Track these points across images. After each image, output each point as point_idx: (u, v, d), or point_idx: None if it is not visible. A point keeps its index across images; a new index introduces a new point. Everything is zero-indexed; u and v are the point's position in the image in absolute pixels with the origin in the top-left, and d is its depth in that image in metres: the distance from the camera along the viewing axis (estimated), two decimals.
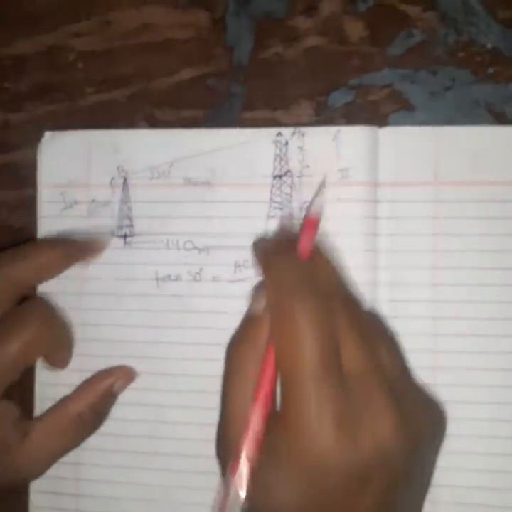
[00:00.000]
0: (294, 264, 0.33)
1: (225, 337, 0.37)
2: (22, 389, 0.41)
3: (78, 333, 0.40)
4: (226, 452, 0.31)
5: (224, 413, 0.32)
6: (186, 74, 0.41)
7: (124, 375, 0.39)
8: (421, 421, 0.31)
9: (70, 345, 0.40)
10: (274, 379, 0.31)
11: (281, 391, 0.30)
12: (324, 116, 0.39)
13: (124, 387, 0.39)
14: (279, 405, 0.30)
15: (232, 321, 0.37)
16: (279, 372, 0.30)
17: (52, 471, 0.39)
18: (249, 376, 0.31)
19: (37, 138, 0.41)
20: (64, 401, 0.38)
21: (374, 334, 0.32)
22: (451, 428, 0.35)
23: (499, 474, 0.37)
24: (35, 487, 0.41)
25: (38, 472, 0.38)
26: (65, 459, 0.39)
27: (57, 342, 0.39)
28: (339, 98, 0.39)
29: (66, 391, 0.40)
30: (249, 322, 0.34)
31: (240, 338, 0.34)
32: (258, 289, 0.34)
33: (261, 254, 0.36)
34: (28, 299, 0.39)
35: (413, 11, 0.39)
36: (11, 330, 0.35)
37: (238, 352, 0.33)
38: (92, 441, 0.39)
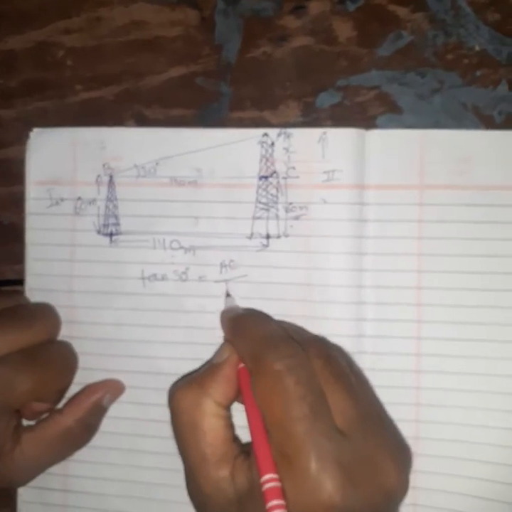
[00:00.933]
0: (265, 321, 0.34)
1: (212, 336, 0.38)
2: None
3: (66, 330, 0.40)
4: (198, 503, 0.32)
5: (188, 470, 0.32)
6: (175, 72, 0.41)
7: (113, 388, 0.40)
8: (408, 460, 0.32)
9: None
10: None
11: (274, 445, 0.29)
12: (312, 117, 0.39)
13: (113, 400, 0.40)
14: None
15: (218, 321, 0.38)
16: (271, 430, 0.29)
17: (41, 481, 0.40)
18: (201, 428, 0.31)
19: (26, 134, 0.42)
20: (54, 414, 0.38)
21: (352, 377, 0.32)
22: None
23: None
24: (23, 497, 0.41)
25: (25, 480, 0.38)
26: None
27: (64, 387, 0.39)
28: (327, 99, 0.39)
29: None
30: (205, 369, 0.34)
31: (187, 382, 0.33)
32: (225, 344, 0.35)
33: (230, 318, 0.37)
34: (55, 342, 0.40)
35: (402, 11, 0.39)
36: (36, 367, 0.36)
37: (185, 401, 0.32)
38: None
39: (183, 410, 0.32)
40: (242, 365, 0.33)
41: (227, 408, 0.33)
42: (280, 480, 0.28)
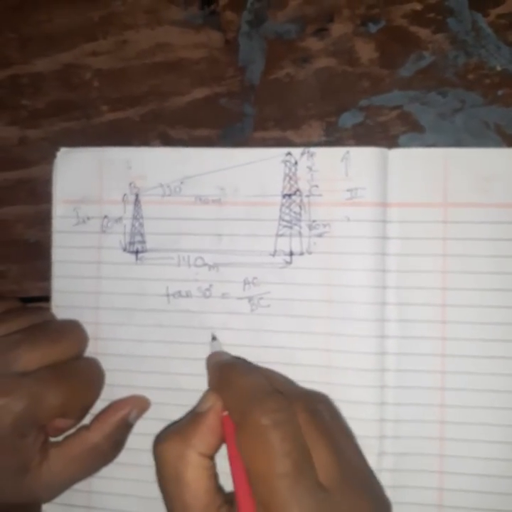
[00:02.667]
0: (251, 373, 0.34)
1: (234, 353, 0.38)
2: None
3: (91, 347, 0.41)
4: None
5: None
6: (199, 93, 0.42)
7: (139, 404, 0.40)
8: (387, 509, 0.33)
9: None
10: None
11: (258, 499, 0.29)
12: (334, 137, 0.40)
13: (139, 416, 0.40)
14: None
15: (240, 337, 0.38)
16: (255, 484, 0.30)
17: (65, 498, 0.40)
18: (184, 480, 0.31)
19: (53, 154, 0.42)
20: (81, 430, 0.38)
21: (336, 431, 0.32)
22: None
23: None
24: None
25: (51, 496, 0.38)
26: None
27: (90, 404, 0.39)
28: (349, 119, 0.40)
29: None
30: (188, 419, 0.34)
31: (170, 434, 0.33)
32: (209, 392, 0.35)
33: (215, 365, 0.37)
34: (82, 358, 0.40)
35: (424, 33, 0.39)
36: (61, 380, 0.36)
37: (168, 454, 0.32)
38: None
39: (166, 462, 0.32)
40: (226, 413, 0.33)
41: (211, 457, 0.33)
42: None
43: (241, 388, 0.33)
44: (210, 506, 0.31)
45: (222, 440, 0.33)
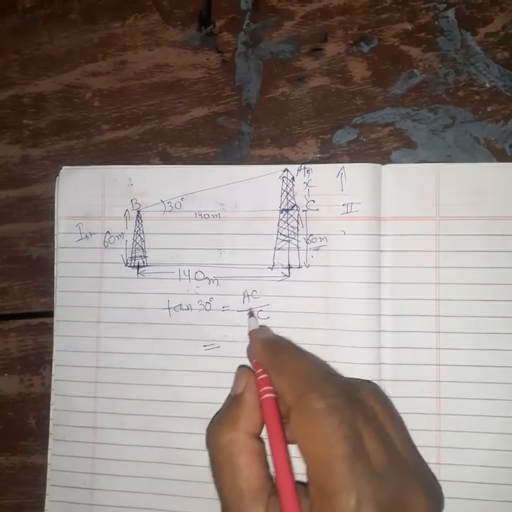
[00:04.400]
0: (305, 356, 0.35)
1: (235, 365, 0.39)
2: (38, 414, 0.43)
3: (93, 360, 0.42)
4: None
5: (224, 507, 0.32)
6: (197, 113, 0.43)
7: None
8: (438, 498, 0.32)
9: None
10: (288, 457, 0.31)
11: (313, 480, 0.29)
12: (329, 154, 0.41)
13: None
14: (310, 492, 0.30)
15: (241, 349, 0.39)
16: (311, 467, 0.30)
17: (67, 495, 0.40)
18: (238, 464, 0.32)
19: (55, 173, 0.44)
20: None
21: (384, 418, 0.33)
22: None
23: None
24: None
25: None
26: (79, 483, 0.41)
27: None
28: (343, 136, 0.41)
29: (80, 417, 0.41)
30: (230, 403, 0.35)
31: (220, 421, 0.34)
32: (237, 372, 0.36)
33: (264, 341, 0.37)
34: None
35: (414, 51, 0.41)
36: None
37: (222, 439, 0.33)
38: (104, 466, 0.41)
39: (220, 449, 0.32)
40: (267, 395, 0.33)
41: (261, 439, 0.33)
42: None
43: (296, 371, 0.33)
44: (262, 492, 0.31)
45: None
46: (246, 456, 0.32)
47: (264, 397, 0.33)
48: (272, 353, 0.35)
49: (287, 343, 0.38)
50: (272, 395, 0.33)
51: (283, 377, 0.33)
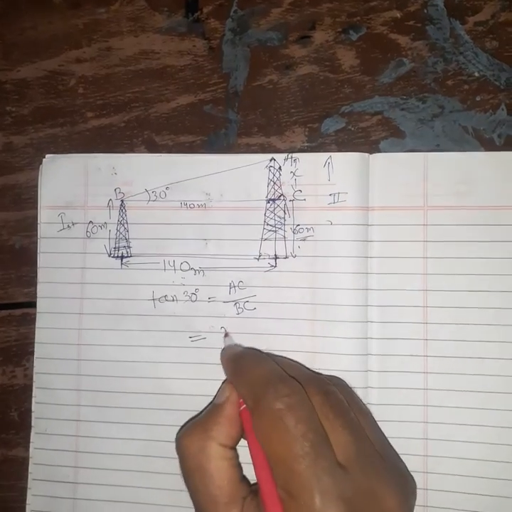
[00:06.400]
0: (263, 360, 0.35)
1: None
2: (20, 406, 0.43)
3: (76, 352, 0.41)
4: None
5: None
6: (184, 100, 0.42)
7: None
8: (410, 489, 0.32)
9: None
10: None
11: (279, 482, 0.29)
12: (317, 143, 0.41)
13: None
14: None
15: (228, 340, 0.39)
16: (274, 468, 0.30)
17: (49, 489, 0.40)
18: (208, 470, 0.32)
19: (38, 160, 0.43)
20: None
21: (352, 410, 0.33)
22: None
23: None
24: (32, 507, 0.41)
25: None
26: (61, 477, 0.40)
27: None
28: (331, 125, 0.40)
29: (62, 410, 0.41)
30: (206, 412, 0.34)
31: (192, 427, 0.34)
32: (225, 384, 0.35)
33: (229, 357, 0.37)
34: None
35: (403, 40, 0.40)
36: None
37: (191, 446, 0.33)
38: (87, 460, 0.41)
39: (189, 456, 0.33)
40: (243, 406, 0.33)
41: (233, 448, 0.33)
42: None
43: (253, 375, 0.33)
44: (235, 496, 0.31)
45: (242, 430, 0.33)
46: (215, 462, 0.32)
47: (242, 407, 0.33)
48: (234, 363, 0.36)
49: (249, 351, 0.38)
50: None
51: (243, 384, 0.33)
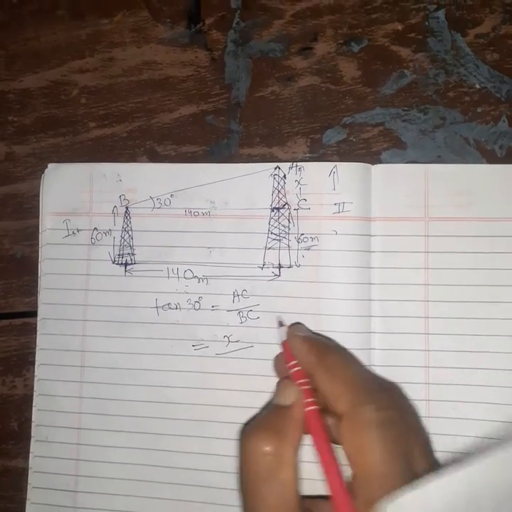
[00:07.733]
0: (356, 363, 0.34)
1: (224, 364, 0.38)
2: (20, 417, 0.42)
3: (79, 359, 0.41)
4: None
5: None
6: (186, 110, 0.43)
7: None
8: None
9: None
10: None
11: (361, 493, 0.29)
12: (319, 153, 0.41)
13: None
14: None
15: (231, 349, 0.39)
16: (362, 478, 0.29)
17: (49, 498, 0.40)
18: (280, 478, 0.30)
19: (40, 170, 0.43)
20: None
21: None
22: None
23: None
24: None
25: None
26: (61, 486, 0.40)
27: None
28: (333, 136, 0.41)
29: (64, 418, 0.41)
30: (274, 413, 0.33)
31: (263, 427, 0.31)
32: (284, 383, 0.34)
33: (306, 341, 0.35)
34: None
35: (405, 52, 0.41)
36: None
37: (264, 448, 0.30)
38: (88, 468, 0.40)
39: (260, 457, 0.30)
40: (311, 407, 0.32)
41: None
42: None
43: (351, 377, 0.32)
44: (298, 508, 0.30)
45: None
46: (289, 470, 0.30)
47: (310, 408, 0.32)
48: (320, 355, 0.34)
49: (333, 344, 0.37)
50: (317, 407, 0.32)
51: (336, 382, 0.32)
